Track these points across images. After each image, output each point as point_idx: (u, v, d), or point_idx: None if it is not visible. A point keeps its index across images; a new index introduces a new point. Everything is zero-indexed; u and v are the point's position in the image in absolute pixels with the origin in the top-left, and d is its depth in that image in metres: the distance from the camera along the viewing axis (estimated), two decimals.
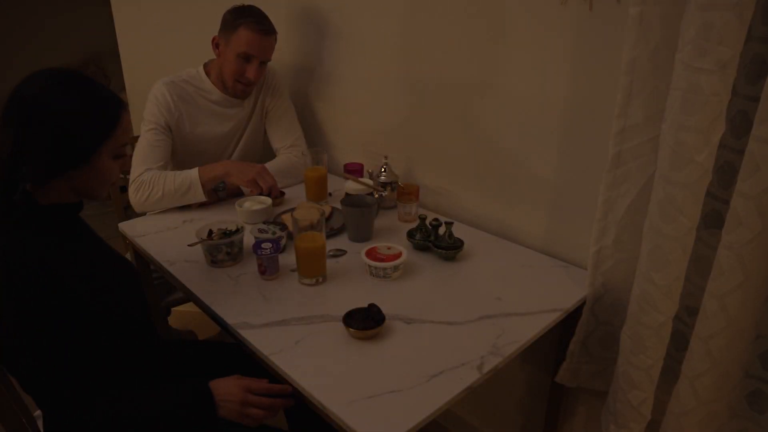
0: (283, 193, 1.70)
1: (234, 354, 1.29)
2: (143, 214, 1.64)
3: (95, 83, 0.94)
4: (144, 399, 0.96)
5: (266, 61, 1.69)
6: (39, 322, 0.88)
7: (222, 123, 1.75)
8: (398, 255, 1.26)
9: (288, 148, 1.83)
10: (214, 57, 1.70)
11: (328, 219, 1.53)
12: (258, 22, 1.61)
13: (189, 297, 1.24)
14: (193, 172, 1.56)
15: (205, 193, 1.58)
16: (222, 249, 1.29)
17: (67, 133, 0.90)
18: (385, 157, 1.64)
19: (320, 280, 1.24)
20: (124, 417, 0.93)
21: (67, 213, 1.01)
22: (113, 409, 0.92)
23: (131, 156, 1.02)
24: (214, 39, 1.66)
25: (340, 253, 1.37)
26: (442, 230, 1.36)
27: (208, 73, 1.72)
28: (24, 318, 0.88)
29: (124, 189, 1.66)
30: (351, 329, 1.04)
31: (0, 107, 0.89)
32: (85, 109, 0.91)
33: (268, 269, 1.25)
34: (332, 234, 1.46)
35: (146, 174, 1.54)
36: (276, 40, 1.68)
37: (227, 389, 0.99)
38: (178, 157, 1.70)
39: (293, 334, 1.07)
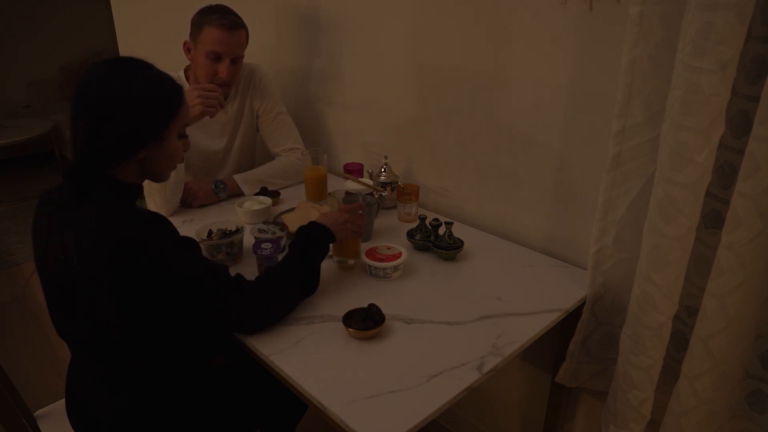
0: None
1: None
2: None
3: (154, 67, 1.02)
4: (285, 263, 1.11)
5: (238, 59, 1.61)
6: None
7: (206, 125, 1.70)
8: (398, 255, 1.26)
9: (287, 151, 1.82)
10: None
11: None
12: (222, 18, 1.54)
13: None
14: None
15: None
16: (222, 249, 1.29)
17: (137, 116, 0.96)
18: (385, 157, 1.64)
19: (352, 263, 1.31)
20: (282, 285, 1.09)
21: (138, 192, 1.08)
22: (265, 290, 1.06)
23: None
24: (185, 43, 1.62)
25: None
26: (442, 230, 1.36)
27: (188, 78, 1.68)
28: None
29: None
30: (351, 329, 1.04)
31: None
32: (152, 91, 0.99)
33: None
34: None
35: None
36: (246, 35, 1.61)
37: (332, 217, 1.22)
38: None
39: (293, 334, 1.07)
